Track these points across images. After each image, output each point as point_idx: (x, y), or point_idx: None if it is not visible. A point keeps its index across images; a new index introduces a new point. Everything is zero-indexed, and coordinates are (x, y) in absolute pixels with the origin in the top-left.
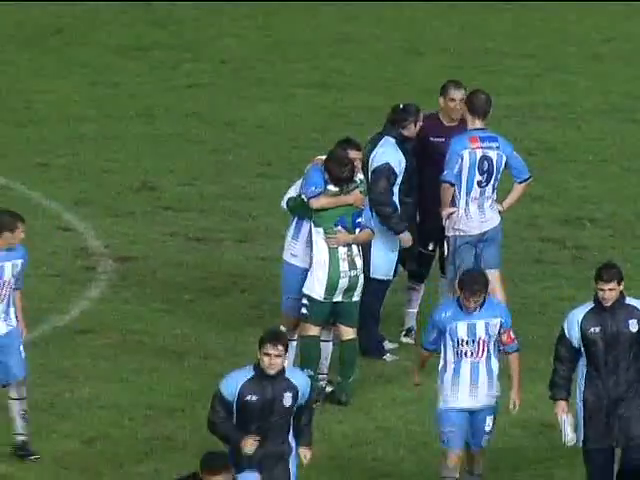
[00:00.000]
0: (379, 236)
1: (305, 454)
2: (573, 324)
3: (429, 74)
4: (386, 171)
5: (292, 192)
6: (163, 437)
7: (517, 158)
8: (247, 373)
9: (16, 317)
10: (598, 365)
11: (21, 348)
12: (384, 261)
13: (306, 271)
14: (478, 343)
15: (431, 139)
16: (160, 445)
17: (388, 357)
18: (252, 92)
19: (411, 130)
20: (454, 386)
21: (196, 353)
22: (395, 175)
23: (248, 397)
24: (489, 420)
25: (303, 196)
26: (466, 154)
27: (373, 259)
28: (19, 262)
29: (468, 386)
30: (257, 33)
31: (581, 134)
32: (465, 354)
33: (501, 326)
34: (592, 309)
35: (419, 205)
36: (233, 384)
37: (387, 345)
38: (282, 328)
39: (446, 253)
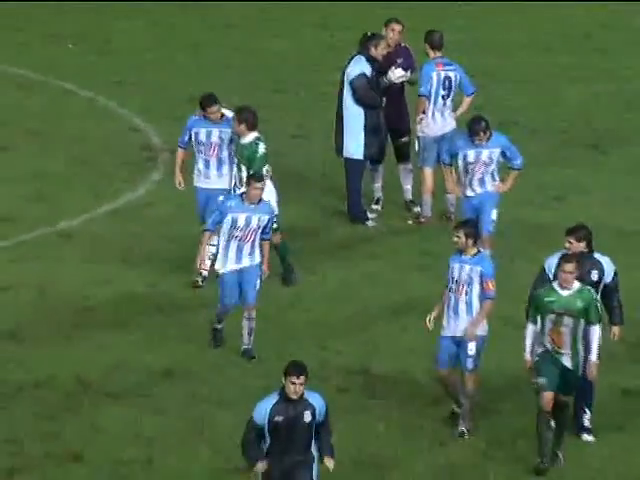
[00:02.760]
0: (348, 121)
1: (329, 463)
2: (551, 266)
3: (404, 17)
4: (364, 78)
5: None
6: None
7: (466, 77)
8: (273, 398)
9: (260, 257)
10: None
11: (258, 282)
12: (353, 142)
13: None
14: (460, 283)
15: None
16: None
17: (370, 223)
18: (267, 29)
19: (372, 51)
20: (445, 316)
21: None
22: (368, 79)
23: (276, 418)
24: (471, 346)
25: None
26: (434, 75)
27: (345, 142)
28: (265, 217)
29: (453, 317)
30: None
31: (511, 61)
32: (451, 290)
33: (482, 275)
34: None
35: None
36: (263, 410)
37: (369, 215)
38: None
39: (417, 149)
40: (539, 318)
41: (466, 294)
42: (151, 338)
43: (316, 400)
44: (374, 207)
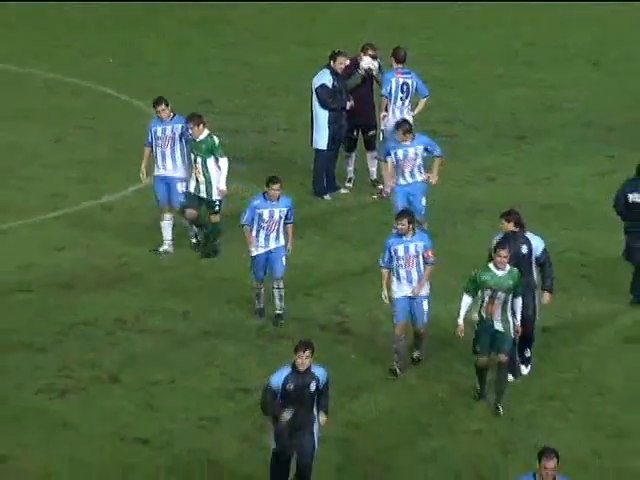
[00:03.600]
0: (316, 119)
1: (323, 417)
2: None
3: (370, 38)
4: (324, 88)
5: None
6: None
7: (422, 84)
8: (286, 370)
9: (284, 240)
10: None
11: (284, 259)
12: (319, 136)
13: None
14: (408, 259)
15: (355, 70)
16: None
17: (343, 190)
18: (262, 46)
19: (331, 64)
20: (398, 284)
21: None
22: (328, 88)
23: (288, 386)
24: (425, 304)
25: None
26: (394, 81)
27: (314, 135)
28: (285, 209)
29: (406, 283)
30: (266, 11)
31: (456, 71)
32: (401, 266)
33: (424, 248)
34: (498, 242)
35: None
36: (278, 379)
37: (342, 190)
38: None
39: (381, 139)
40: (478, 292)
41: (416, 265)
42: (172, 287)
43: (320, 373)
44: (347, 185)
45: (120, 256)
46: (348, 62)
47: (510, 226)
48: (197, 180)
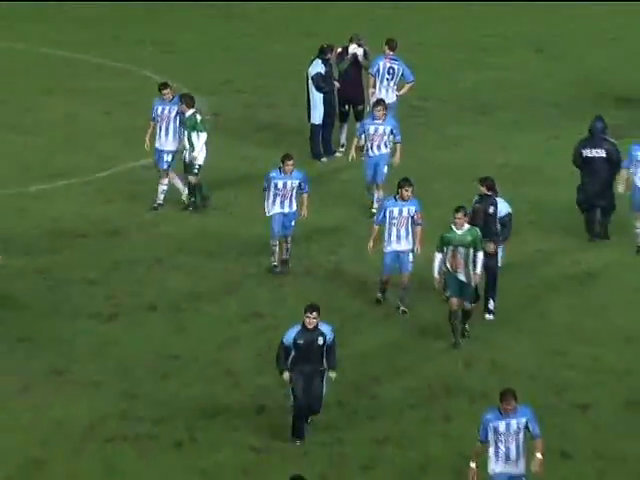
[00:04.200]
0: (312, 100)
1: (332, 374)
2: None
3: (359, 31)
4: (319, 75)
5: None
6: None
7: (407, 69)
8: (297, 328)
9: (297, 206)
10: None
11: (293, 222)
12: (316, 112)
13: None
14: (401, 219)
15: (345, 57)
16: None
17: (337, 154)
18: (275, 37)
19: (329, 55)
20: (388, 240)
21: None
22: (321, 75)
23: (298, 341)
24: (410, 256)
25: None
26: (382, 64)
27: (311, 112)
28: (297, 181)
29: (395, 239)
30: (274, 14)
31: (426, 57)
32: (394, 224)
33: (415, 211)
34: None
35: (342, 84)
36: (289, 335)
37: (336, 154)
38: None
39: (368, 111)
40: (444, 249)
41: (406, 225)
42: (200, 230)
43: (326, 330)
44: (340, 149)
45: (156, 207)
46: (340, 49)
47: (484, 189)
48: (185, 149)
